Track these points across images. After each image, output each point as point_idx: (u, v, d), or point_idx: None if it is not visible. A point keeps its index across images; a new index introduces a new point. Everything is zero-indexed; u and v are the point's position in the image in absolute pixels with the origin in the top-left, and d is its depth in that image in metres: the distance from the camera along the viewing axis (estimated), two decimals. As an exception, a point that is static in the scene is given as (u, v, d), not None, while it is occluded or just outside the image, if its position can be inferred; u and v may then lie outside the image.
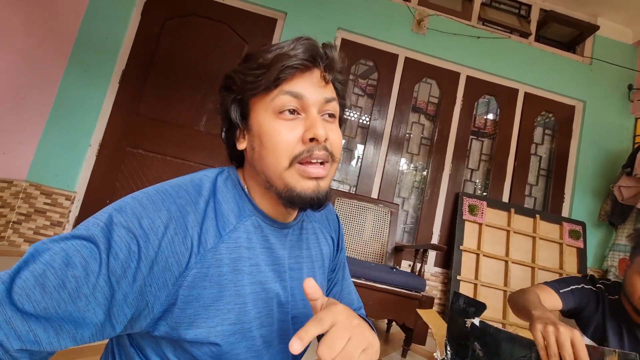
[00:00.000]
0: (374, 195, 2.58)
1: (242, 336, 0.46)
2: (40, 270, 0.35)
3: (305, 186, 0.46)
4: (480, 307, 0.74)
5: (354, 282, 1.67)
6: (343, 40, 2.66)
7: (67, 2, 2.19)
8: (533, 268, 2.51)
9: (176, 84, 2.43)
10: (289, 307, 0.52)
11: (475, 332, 0.75)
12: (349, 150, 2.69)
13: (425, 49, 2.70)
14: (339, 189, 2.52)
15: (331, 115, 0.49)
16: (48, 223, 2.17)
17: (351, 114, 2.70)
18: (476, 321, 0.76)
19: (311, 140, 0.45)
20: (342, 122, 0.56)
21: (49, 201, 2.18)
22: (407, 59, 2.72)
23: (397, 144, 2.66)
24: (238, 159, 0.55)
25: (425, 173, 2.73)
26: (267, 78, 0.46)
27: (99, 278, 0.36)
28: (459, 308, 0.79)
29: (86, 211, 2.26)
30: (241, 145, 0.51)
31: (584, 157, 2.79)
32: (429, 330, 0.86)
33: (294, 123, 0.46)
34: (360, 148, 2.69)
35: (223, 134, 0.54)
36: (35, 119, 2.16)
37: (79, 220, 2.25)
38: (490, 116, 2.94)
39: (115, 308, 0.38)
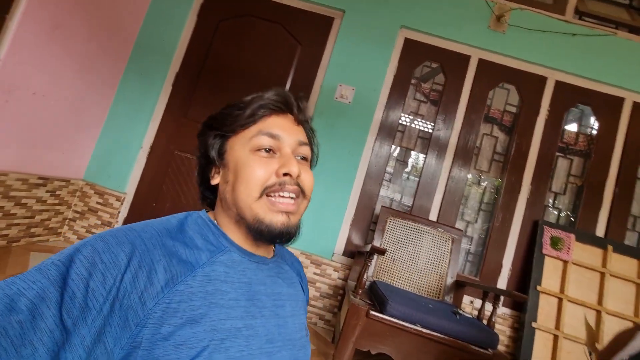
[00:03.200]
0: (433, 216, 2.26)
1: None
2: None
3: (275, 219, 0.47)
4: None
5: (407, 327, 1.40)
6: (406, 40, 2.37)
7: (128, 7, 2.21)
8: (636, 324, 1.99)
9: (225, 87, 2.35)
10: (272, 348, 0.47)
11: None
12: (404, 163, 2.40)
13: (505, 49, 2.30)
14: (392, 207, 2.24)
15: (303, 158, 0.53)
16: (99, 222, 2.22)
17: (411, 122, 2.40)
18: None
19: (285, 175, 0.48)
20: (311, 166, 0.58)
21: (101, 201, 2.23)
22: (481, 61, 2.35)
23: (464, 159, 2.30)
24: (209, 201, 0.58)
25: (496, 194, 2.33)
26: (244, 115, 0.51)
27: (47, 321, 0.34)
28: None
29: (134, 213, 2.27)
30: (214, 180, 0.54)
31: None
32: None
33: (269, 160, 0.49)
34: (415, 160, 2.38)
35: (197, 173, 0.57)
36: (93, 121, 2.22)
37: (127, 221, 2.27)
38: (584, 129, 2.43)
39: (70, 353, 0.34)
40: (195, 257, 0.44)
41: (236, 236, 0.51)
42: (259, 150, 0.49)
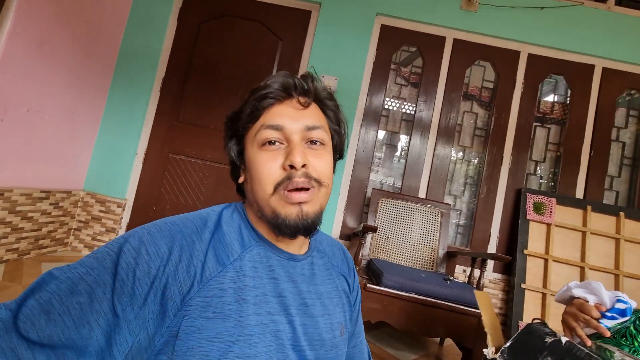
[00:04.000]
0: (422, 194, 2.37)
1: None
2: (46, 298, 0.37)
3: (289, 211, 0.47)
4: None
5: (401, 295, 1.52)
6: (382, 27, 2.45)
7: (109, 16, 2.25)
8: (617, 275, 2.14)
9: (213, 87, 2.42)
10: (298, 347, 0.48)
11: (557, 350, 0.72)
12: (392, 146, 2.50)
13: (478, 27, 2.39)
14: (383, 189, 2.35)
15: (316, 142, 0.50)
16: (103, 229, 2.30)
17: (394, 106, 2.49)
18: (563, 339, 0.73)
19: (291, 167, 0.47)
20: (338, 148, 0.57)
21: (103, 209, 2.31)
22: (456, 41, 2.44)
23: (447, 137, 2.41)
24: (244, 194, 0.57)
25: (480, 167, 2.45)
26: (246, 111, 0.50)
27: (102, 304, 0.38)
28: (540, 330, 0.80)
29: (136, 217, 2.35)
30: (241, 179, 0.54)
31: (684, 141, 2.30)
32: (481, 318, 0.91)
33: (275, 153, 0.48)
34: (404, 143, 2.48)
35: (230, 171, 0.57)
36: (87, 131, 2.28)
37: (130, 225, 2.35)
38: (559, 99, 2.54)
39: (118, 336, 0.38)
40: (227, 253, 0.46)
41: (263, 231, 0.51)
42: (264, 144, 0.48)
